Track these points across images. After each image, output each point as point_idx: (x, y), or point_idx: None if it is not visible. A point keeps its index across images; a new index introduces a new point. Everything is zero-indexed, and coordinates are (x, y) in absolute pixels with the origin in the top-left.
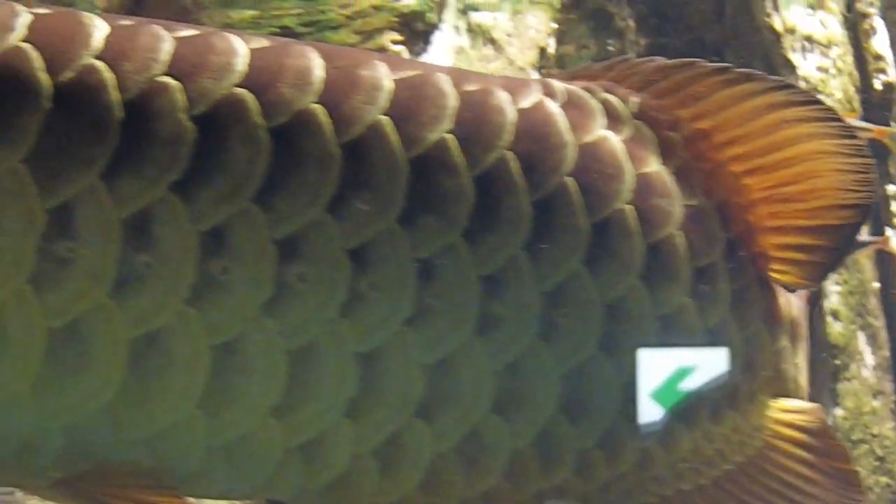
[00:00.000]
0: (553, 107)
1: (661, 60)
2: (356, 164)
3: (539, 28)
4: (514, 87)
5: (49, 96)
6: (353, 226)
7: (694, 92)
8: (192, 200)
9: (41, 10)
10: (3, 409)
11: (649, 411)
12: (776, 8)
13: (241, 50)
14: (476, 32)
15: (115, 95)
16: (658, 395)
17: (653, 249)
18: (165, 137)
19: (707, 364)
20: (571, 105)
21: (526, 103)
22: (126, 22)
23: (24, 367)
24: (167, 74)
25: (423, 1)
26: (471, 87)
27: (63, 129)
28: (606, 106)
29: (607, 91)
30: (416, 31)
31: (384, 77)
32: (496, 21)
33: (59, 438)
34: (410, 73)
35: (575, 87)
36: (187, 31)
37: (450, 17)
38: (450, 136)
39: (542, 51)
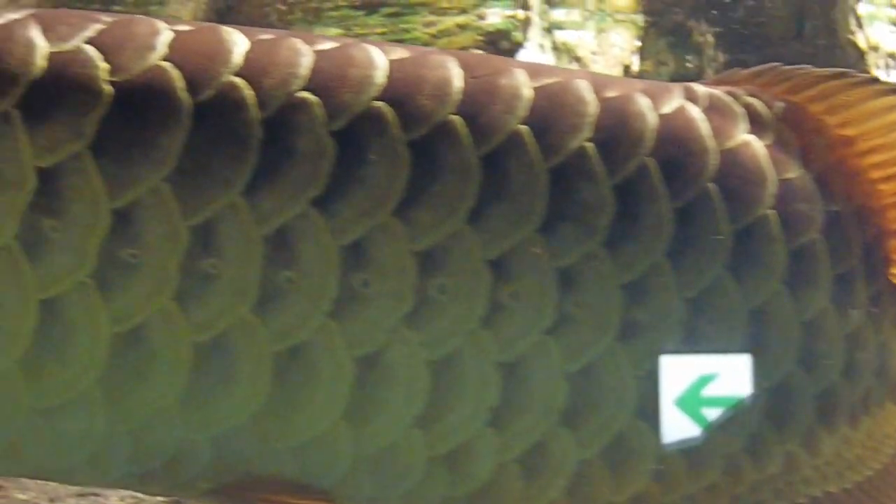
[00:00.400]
0: (695, 112)
1: (811, 68)
2: (495, 175)
3: (623, 46)
4: (656, 92)
5: (190, 115)
6: (493, 236)
7: (843, 101)
8: (333, 215)
9: (182, 27)
10: (153, 423)
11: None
12: (860, 26)
13: (380, 62)
14: (561, 50)
15: (254, 113)
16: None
17: (795, 255)
18: (305, 153)
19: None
20: (713, 110)
21: (667, 109)
22: (266, 36)
23: (171, 382)
24: (306, 89)
25: (508, 20)
26: (611, 94)
27: (204, 148)
28: (749, 110)
29: (751, 95)
30: (502, 49)
31: (523, 86)
32: (581, 39)
33: (207, 450)
34: (550, 80)
35: (718, 92)
36: (327, 44)
37: (535, 36)
38: (589, 144)
39: (627, 68)
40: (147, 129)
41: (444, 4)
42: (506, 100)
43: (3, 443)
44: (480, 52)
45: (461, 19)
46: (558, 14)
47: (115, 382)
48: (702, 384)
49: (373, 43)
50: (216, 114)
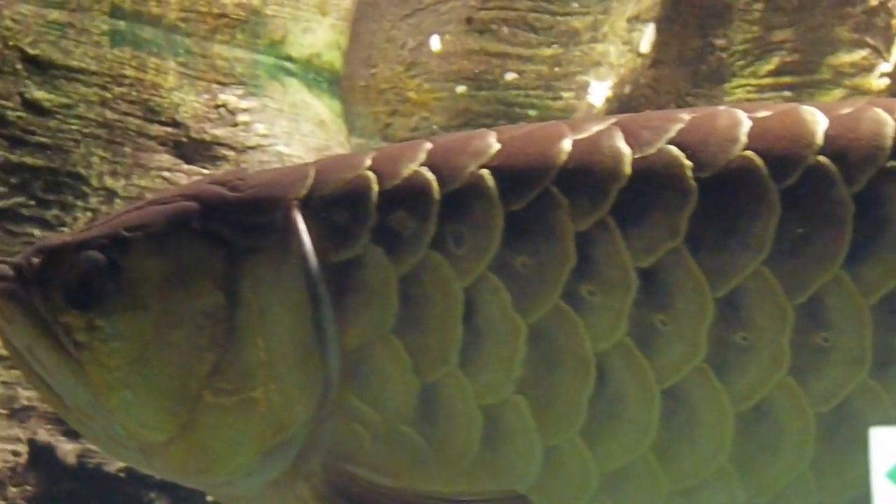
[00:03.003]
0: None
1: None
2: None
3: None
4: None
5: (779, 199)
6: None
7: None
8: None
9: (761, 113)
10: (788, 493)
11: None
12: None
13: None
14: None
15: (843, 189)
16: None
17: None
18: None
19: None
20: None
21: None
22: (846, 110)
23: (800, 452)
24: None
25: None
26: None
27: (798, 228)
28: None
29: None
30: None
31: None
32: None
33: None
34: None
35: None
36: None
37: None
38: None
39: None
40: (739, 219)
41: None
42: None
43: None
44: None
45: None
46: None
47: (747, 458)
48: None
49: None
50: (805, 195)
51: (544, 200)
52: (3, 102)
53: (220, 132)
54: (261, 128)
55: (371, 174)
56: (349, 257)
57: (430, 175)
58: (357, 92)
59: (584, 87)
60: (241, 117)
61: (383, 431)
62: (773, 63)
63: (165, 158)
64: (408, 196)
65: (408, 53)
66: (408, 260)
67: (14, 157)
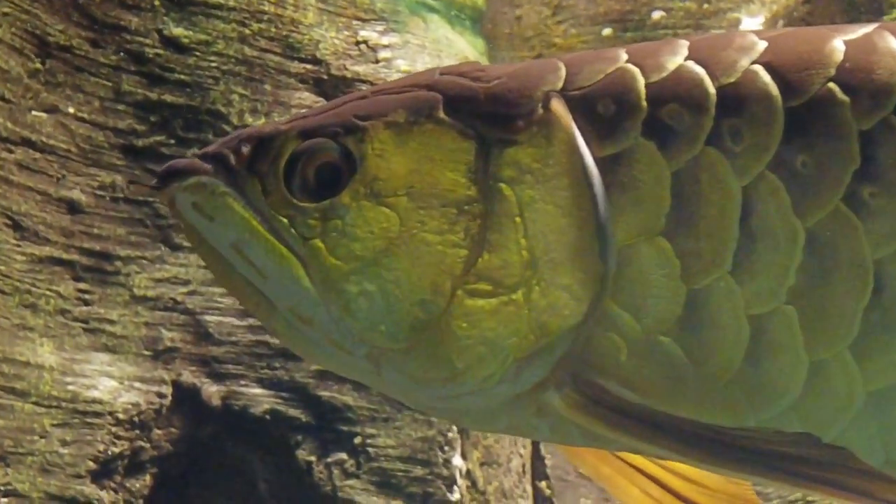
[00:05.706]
0: None
1: None
2: None
3: None
4: None
5: None
6: None
7: None
8: None
9: None
10: None
11: None
12: None
13: None
14: None
15: None
16: None
17: None
18: None
19: None
20: None
21: None
22: None
23: None
24: None
25: None
26: None
27: None
28: None
29: None
30: None
31: None
32: None
33: None
34: None
35: None
36: None
37: None
38: None
39: None
40: None
41: None
42: None
43: None
44: None
45: None
46: None
47: None
48: None
49: None
50: None
51: (825, 98)
52: (142, 39)
53: (362, 69)
54: (403, 64)
55: (633, 66)
56: (617, 151)
57: (699, 69)
58: (502, 39)
59: (734, 24)
60: (383, 53)
61: (641, 342)
62: None
63: (306, 96)
64: (679, 88)
65: None
66: (682, 156)
67: (153, 95)
